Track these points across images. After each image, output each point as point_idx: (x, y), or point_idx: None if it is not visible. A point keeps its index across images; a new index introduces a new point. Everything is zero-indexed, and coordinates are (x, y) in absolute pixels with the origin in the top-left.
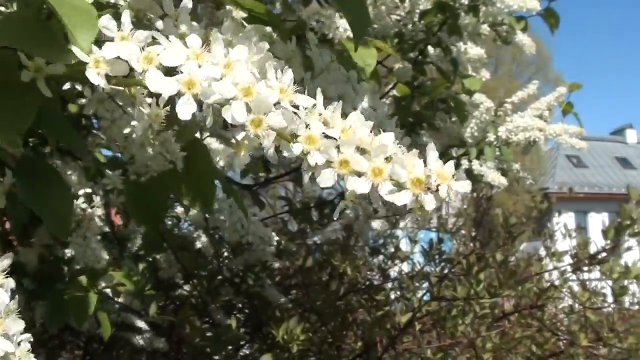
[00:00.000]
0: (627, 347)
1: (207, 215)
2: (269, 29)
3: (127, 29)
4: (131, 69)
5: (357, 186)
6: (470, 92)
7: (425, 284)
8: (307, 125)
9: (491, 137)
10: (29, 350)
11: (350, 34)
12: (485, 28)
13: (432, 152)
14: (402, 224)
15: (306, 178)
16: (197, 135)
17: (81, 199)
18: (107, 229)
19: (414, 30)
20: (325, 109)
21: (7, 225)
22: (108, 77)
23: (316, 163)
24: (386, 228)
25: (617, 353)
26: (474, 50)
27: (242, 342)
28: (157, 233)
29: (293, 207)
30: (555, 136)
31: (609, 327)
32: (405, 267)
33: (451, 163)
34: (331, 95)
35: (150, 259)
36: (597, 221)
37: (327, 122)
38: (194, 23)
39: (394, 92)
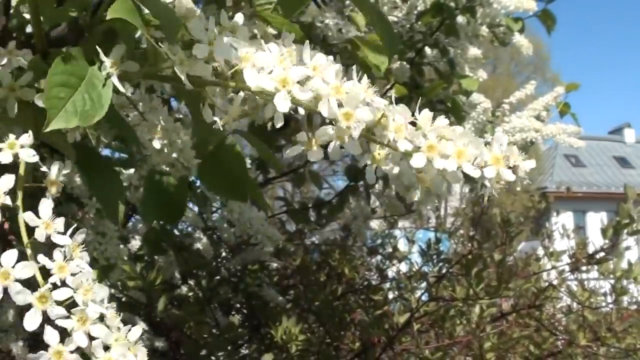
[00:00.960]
0: (625, 346)
1: (204, 216)
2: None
3: (212, 35)
4: (215, 69)
5: (447, 165)
6: (467, 93)
7: (423, 284)
8: (393, 119)
9: (489, 137)
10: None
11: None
12: (484, 30)
13: (503, 138)
14: (400, 224)
15: (370, 175)
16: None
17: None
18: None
19: (412, 31)
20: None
21: (6, 225)
22: (189, 77)
23: (406, 149)
24: (384, 228)
25: (616, 353)
26: (471, 51)
27: (240, 342)
28: (164, 233)
29: (291, 208)
30: (552, 136)
31: (607, 327)
32: (403, 267)
33: (515, 146)
34: None
35: (149, 260)
36: (596, 220)
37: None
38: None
39: (392, 92)
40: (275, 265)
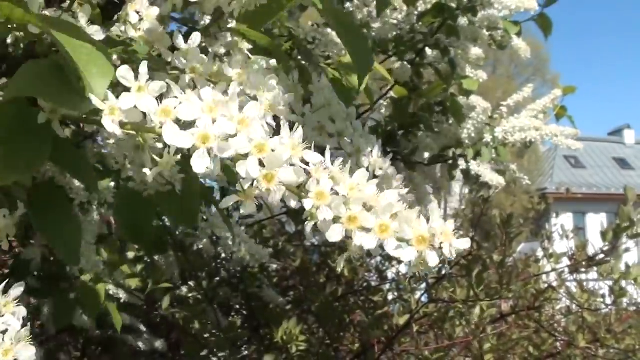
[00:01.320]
0: (625, 348)
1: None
2: (273, 61)
3: (143, 80)
4: (145, 116)
5: (365, 241)
6: (467, 93)
7: (423, 285)
8: (317, 182)
9: (488, 137)
10: None
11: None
12: (484, 33)
13: (435, 211)
14: None
15: (308, 228)
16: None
17: (76, 208)
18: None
19: (412, 32)
20: (332, 164)
21: None
22: (122, 123)
23: (325, 218)
24: None
25: (615, 354)
26: (473, 50)
27: (240, 343)
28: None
29: (291, 209)
30: (552, 137)
31: (606, 328)
32: (403, 268)
33: (451, 222)
34: (330, 131)
35: (149, 260)
36: (596, 222)
37: (335, 179)
38: (204, 57)
39: (392, 93)
40: (274, 266)
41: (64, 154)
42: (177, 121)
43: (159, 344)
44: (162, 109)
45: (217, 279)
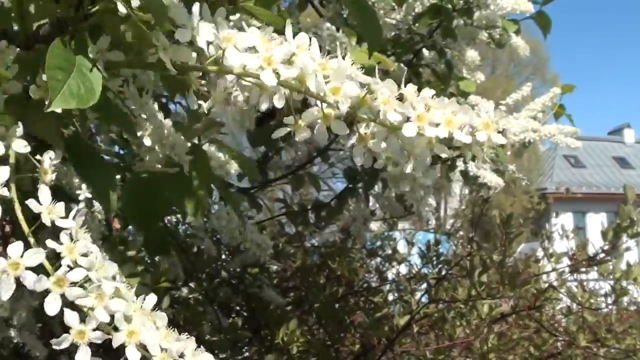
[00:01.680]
0: (625, 347)
1: (205, 220)
2: None
3: (196, 19)
4: (199, 55)
5: (437, 132)
6: (465, 95)
7: (423, 286)
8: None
9: None
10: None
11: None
12: (483, 34)
13: (488, 106)
14: (399, 226)
15: (358, 153)
16: (196, 141)
17: (82, 204)
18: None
19: (410, 33)
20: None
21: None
22: (172, 64)
23: (395, 120)
24: (383, 230)
25: (615, 353)
26: (468, 53)
27: (240, 344)
28: (156, 234)
29: (290, 210)
30: (550, 137)
31: (606, 328)
32: (403, 269)
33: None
34: None
35: (150, 261)
36: (596, 221)
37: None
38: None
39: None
40: (275, 267)
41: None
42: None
43: None
44: (224, 36)
45: (217, 280)
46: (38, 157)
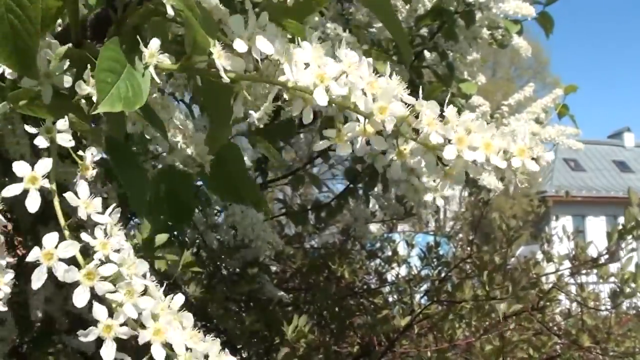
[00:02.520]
0: (624, 350)
1: (205, 219)
2: None
3: (250, 30)
4: (255, 65)
5: (476, 155)
6: (466, 96)
7: (423, 288)
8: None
9: None
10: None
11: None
12: (485, 32)
13: (524, 131)
14: (399, 228)
15: (396, 167)
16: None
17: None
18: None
19: (411, 34)
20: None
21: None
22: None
23: (437, 142)
24: (383, 232)
25: (615, 357)
26: (471, 56)
27: (238, 347)
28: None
29: (290, 210)
30: (551, 139)
31: (606, 331)
32: (403, 270)
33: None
34: None
35: (150, 260)
36: (595, 225)
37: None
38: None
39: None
40: (274, 268)
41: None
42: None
43: None
44: (278, 50)
45: (215, 280)
46: (80, 152)
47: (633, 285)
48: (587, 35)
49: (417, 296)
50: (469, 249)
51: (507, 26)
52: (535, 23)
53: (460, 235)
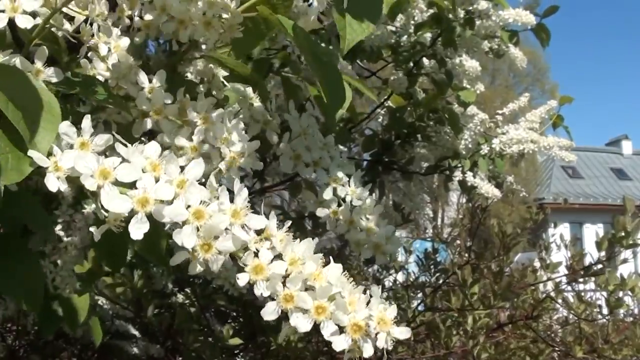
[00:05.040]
0: (622, 358)
1: None
2: (249, 90)
3: (87, 135)
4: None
5: (300, 323)
6: (465, 104)
7: (420, 294)
8: (255, 254)
9: (485, 149)
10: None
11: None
12: (485, 44)
13: (375, 297)
14: (397, 234)
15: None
16: None
17: (59, 226)
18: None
19: (410, 41)
20: (277, 229)
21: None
22: (69, 178)
23: (261, 294)
24: None
25: None
26: (468, 63)
27: (236, 351)
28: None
29: (287, 217)
30: (549, 149)
31: (603, 339)
32: (400, 277)
33: (394, 307)
34: (307, 160)
35: (143, 268)
36: (593, 232)
37: (276, 249)
38: (168, 97)
39: (389, 103)
40: None
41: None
42: (117, 182)
43: (154, 350)
44: (100, 170)
45: (213, 286)
46: None
47: (620, 294)
48: (586, 42)
49: (415, 303)
50: (466, 255)
51: (503, 36)
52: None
53: (458, 241)
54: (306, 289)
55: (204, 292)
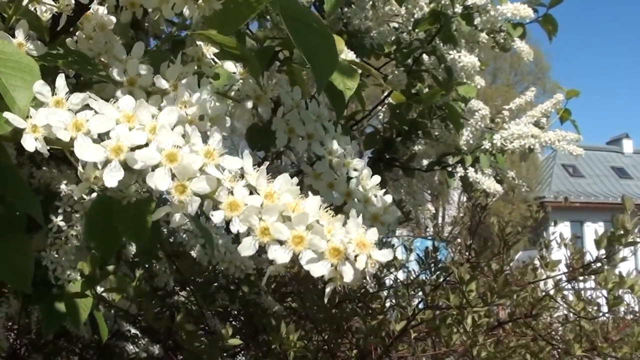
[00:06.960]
0: (622, 356)
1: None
2: (237, 67)
3: (61, 93)
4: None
5: (278, 255)
6: (465, 100)
7: (421, 292)
8: (230, 191)
9: (486, 144)
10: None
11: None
12: (483, 36)
13: (353, 219)
14: (397, 232)
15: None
16: None
17: (60, 217)
18: None
19: (410, 38)
20: (254, 170)
21: None
22: (47, 140)
23: (238, 231)
24: (382, 236)
25: None
26: (467, 59)
27: (237, 350)
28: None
29: None
30: (551, 144)
31: (603, 337)
32: (401, 275)
33: (374, 230)
34: (300, 133)
35: (147, 266)
36: (593, 231)
37: (252, 186)
38: (143, 68)
39: (390, 99)
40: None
41: (6, 178)
42: (91, 134)
43: (156, 349)
44: (73, 123)
45: (215, 284)
46: None
47: (620, 291)
48: (587, 42)
49: (416, 301)
50: (467, 253)
51: (509, 30)
52: (535, 30)
53: (459, 240)
54: (283, 222)
55: (205, 292)
